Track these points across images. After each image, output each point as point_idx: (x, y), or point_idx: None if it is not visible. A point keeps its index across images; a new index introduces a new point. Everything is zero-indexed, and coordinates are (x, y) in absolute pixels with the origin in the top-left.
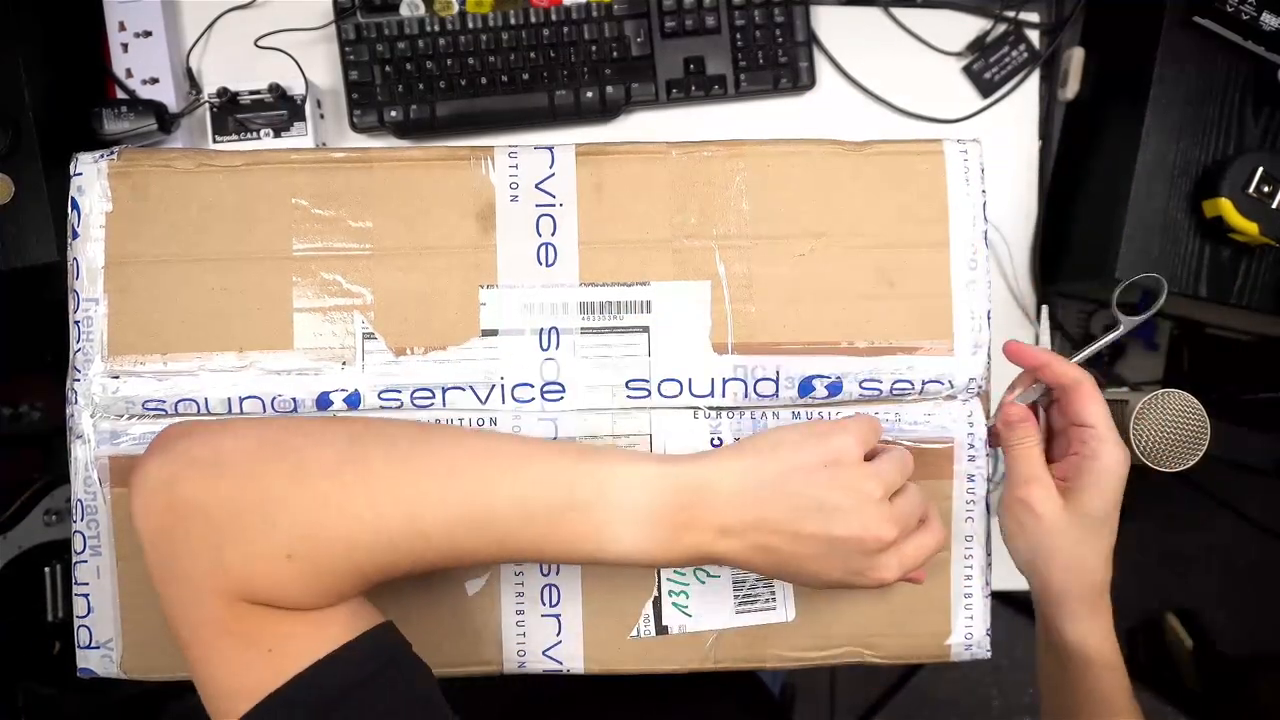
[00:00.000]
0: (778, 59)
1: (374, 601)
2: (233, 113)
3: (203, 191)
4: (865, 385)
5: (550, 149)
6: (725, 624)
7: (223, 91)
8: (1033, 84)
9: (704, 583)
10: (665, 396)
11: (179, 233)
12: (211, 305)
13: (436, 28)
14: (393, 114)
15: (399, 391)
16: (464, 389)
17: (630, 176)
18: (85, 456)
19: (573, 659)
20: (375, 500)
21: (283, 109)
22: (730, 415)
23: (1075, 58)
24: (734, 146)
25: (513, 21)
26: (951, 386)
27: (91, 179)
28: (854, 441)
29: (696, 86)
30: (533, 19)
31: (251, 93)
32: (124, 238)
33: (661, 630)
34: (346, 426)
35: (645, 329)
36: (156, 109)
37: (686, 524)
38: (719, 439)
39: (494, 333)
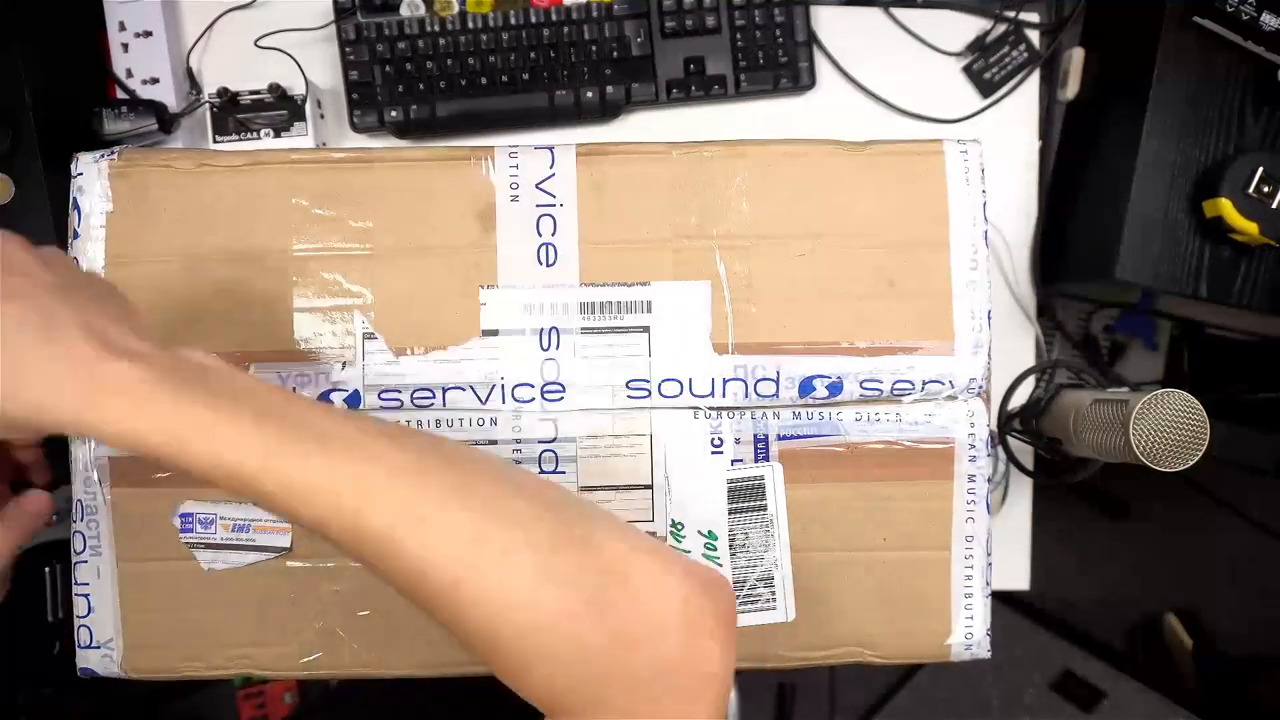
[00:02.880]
0: (778, 59)
1: (372, 599)
2: (233, 113)
3: (203, 191)
4: (866, 385)
5: (550, 149)
6: None
7: (223, 91)
8: (1033, 84)
9: None
10: (665, 396)
11: (179, 233)
12: (211, 306)
13: (436, 28)
14: (393, 114)
15: (399, 392)
16: (464, 389)
17: (630, 176)
18: (85, 457)
19: None
20: None
21: (283, 109)
22: (730, 415)
23: (1075, 58)
24: (734, 146)
25: (513, 21)
26: (952, 386)
27: (92, 179)
28: None
29: (696, 86)
30: (533, 19)
31: (251, 93)
32: (124, 238)
33: None
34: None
35: (645, 329)
36: (157, 109)
37: None
38: (719, 439)
39: (494, 333)
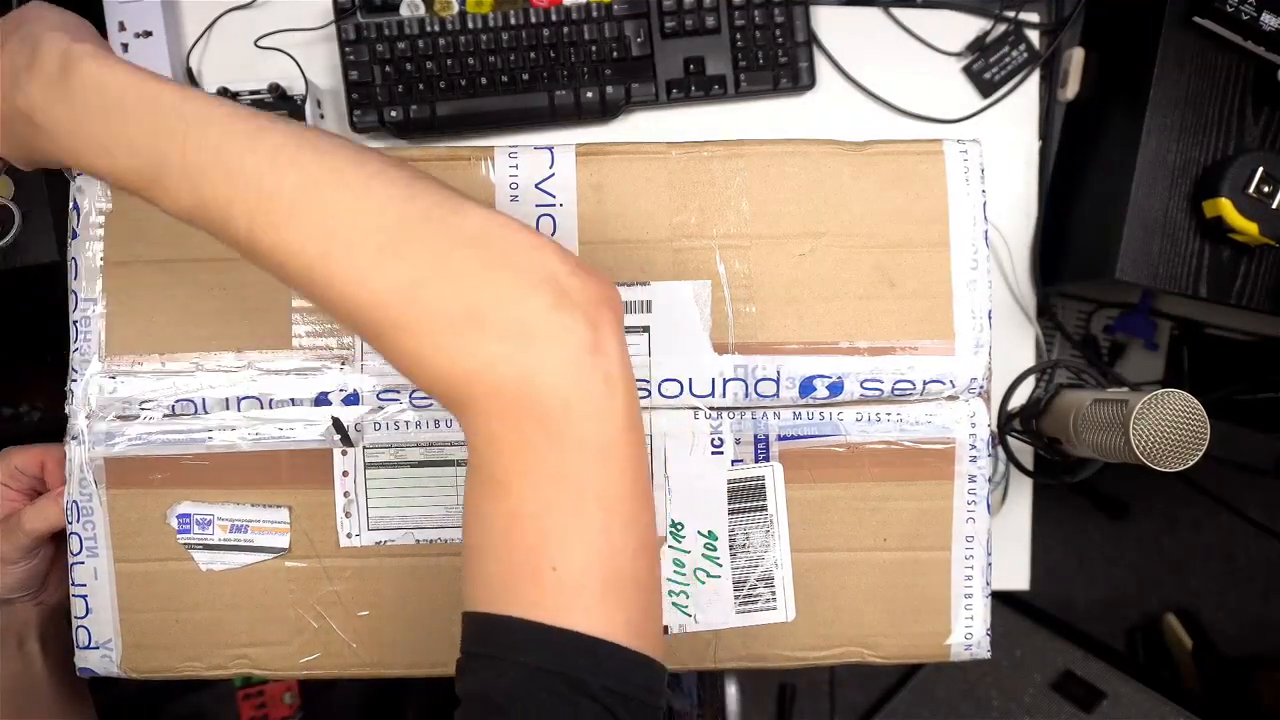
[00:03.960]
0: (778, 59)
1: (371, 599)
2: None
3: None
4: (866, 385)
5: (550, 149)
6: (725, 624)
7: (223, 91)
8: (1033, 84)
9: (704, 583)
10: (666, 397)
11: (178, 233)
12: (210, 305)
13: (436, 28)
14: (393, 114)
15: (398, 392)
16: None
17: (630, 176)
18: (81, 458)
19: None
20: None
21: (283, 109)
22: (731, 415)
23: (1075, 58)
24: (734, 146)
25: (513, 21)
26: (953, 386)
27: (91, 179)
28: None
29: (696, 86)
30: (533, 19)
31: (251, 93)
32: (123, 238)
33: (661, 631)
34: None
35: (645, 329)
36: None
37: None
38: (719, 439)
39: None
